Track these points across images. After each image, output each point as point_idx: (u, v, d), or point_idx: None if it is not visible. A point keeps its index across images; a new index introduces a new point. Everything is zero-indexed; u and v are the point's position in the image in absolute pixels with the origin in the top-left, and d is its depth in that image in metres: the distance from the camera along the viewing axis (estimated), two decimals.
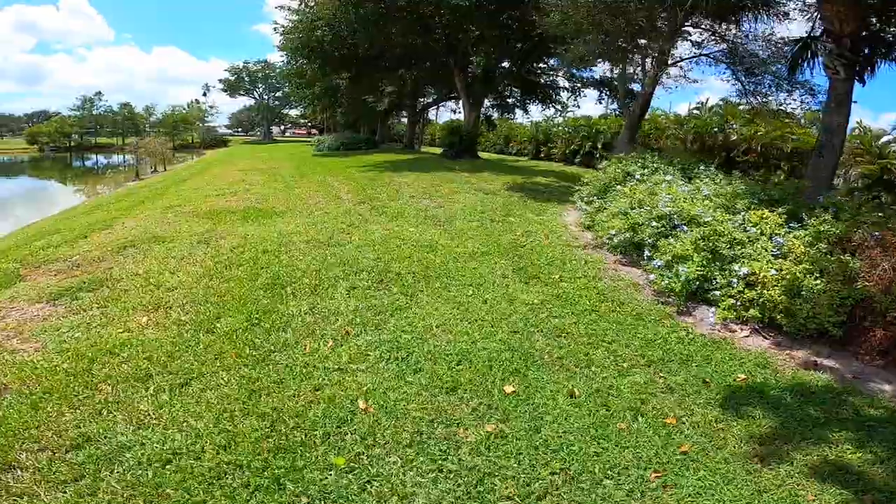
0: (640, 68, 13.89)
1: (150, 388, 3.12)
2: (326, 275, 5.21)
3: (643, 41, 11.01)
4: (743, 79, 11.37)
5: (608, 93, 21.08)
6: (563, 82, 23.21)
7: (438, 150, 31.00)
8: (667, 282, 4.77)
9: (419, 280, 5.16)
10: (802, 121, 15.09)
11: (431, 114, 37.04)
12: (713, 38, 11.67)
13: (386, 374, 3.38)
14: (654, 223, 5.54)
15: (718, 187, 6.29)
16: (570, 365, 3.59)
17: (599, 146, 23.15)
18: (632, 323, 4.35)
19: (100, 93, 66.30)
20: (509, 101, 27.46)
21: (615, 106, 20.53)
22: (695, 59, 11.90)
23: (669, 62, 11.42)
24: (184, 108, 61.94)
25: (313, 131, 66.51)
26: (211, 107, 61.96)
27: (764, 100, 11.47)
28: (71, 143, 62.71)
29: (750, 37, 11.03)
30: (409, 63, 21.39)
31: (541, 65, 21.38)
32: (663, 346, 3.95)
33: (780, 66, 10.44)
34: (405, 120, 45.01)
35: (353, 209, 8.73)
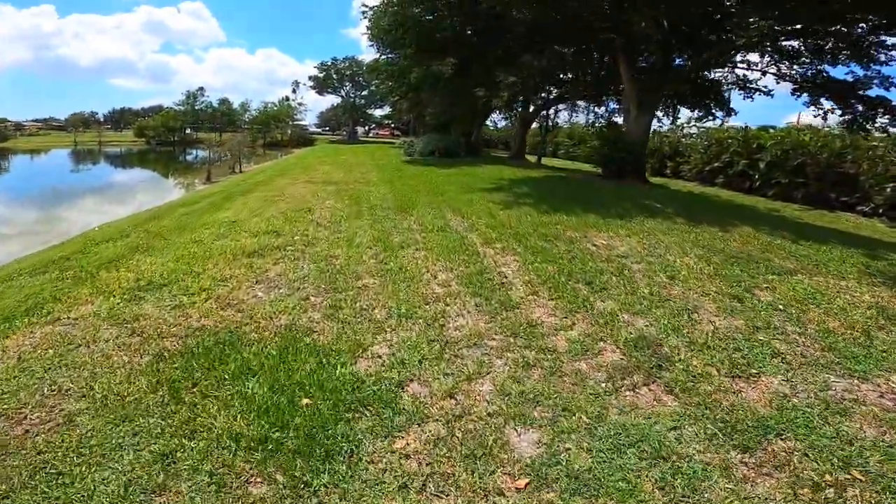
0: None
1: None
2: None
3: None
4: None
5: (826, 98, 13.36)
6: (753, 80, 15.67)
7: (557, 163, 24.23)
8: None
9: None
10: None
11: (562, 117, 29.37)
12: None
13: None
14: None
15: None
16: None
17: (761, 166, 15.67)
18: None
19: (202, 89, 66.00)
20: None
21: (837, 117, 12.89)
22: None
23: None
24: (275, 105, 59.50)
25: (396, 132, 62.00)
26: (300, 104, 59.00)
27: None
28: (175, 137, 62.30)
29: None
30: (541, 46, 14.97)
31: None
32: None
33: None
34: (501, 122, 38.63)
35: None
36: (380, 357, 3.14)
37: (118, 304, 4.12)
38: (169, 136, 62.28)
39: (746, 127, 18.88)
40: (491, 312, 3.71)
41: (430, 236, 5.89)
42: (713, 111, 17.83)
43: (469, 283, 4.26)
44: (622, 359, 3.14)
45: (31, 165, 40.11)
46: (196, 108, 64.66)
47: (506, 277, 4.43)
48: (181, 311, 3.93)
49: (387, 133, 67.30)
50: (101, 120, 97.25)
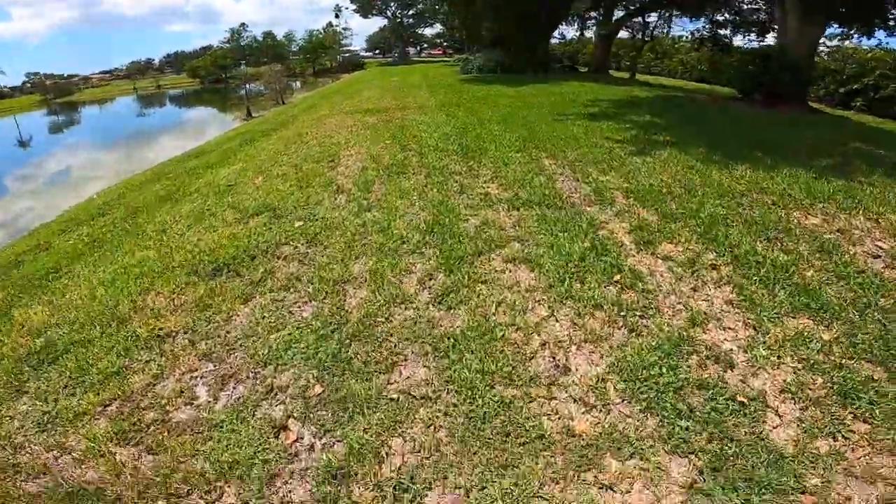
0: None
1: None
2: None
3: None
4: None
5: None
6: None
7: (649, 78, 19.15)
8: None
9: None
10: None
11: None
12: None
13: None
14: None
15: None
16: None
17: None
18: None
19: (244, 24, 63.37)
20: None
21: None
22: None
23: None
24: (320, 33, 55.61)
25: (449, 51, 56.46)
26: (345, 28, 54.67)
27: None
28: (226, 74, 61.33)
29: None
30: None
31: None
32: None
33: None
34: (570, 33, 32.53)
35: None
36: None
37: None
38: (220, 74, 61.46)
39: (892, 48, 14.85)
40: None
41: (528, 218, 3.22)
42: (875, 26, 13.10)
43: (653, 393, 1.66)
44: None
45: (97, 115, 40.66)
46: (242, 44, 62.52)
47: (733, 366, 1.75)
48: (56, 445, 1.77)
49: (439, 52, 61.85)
50: (158, 65, 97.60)
